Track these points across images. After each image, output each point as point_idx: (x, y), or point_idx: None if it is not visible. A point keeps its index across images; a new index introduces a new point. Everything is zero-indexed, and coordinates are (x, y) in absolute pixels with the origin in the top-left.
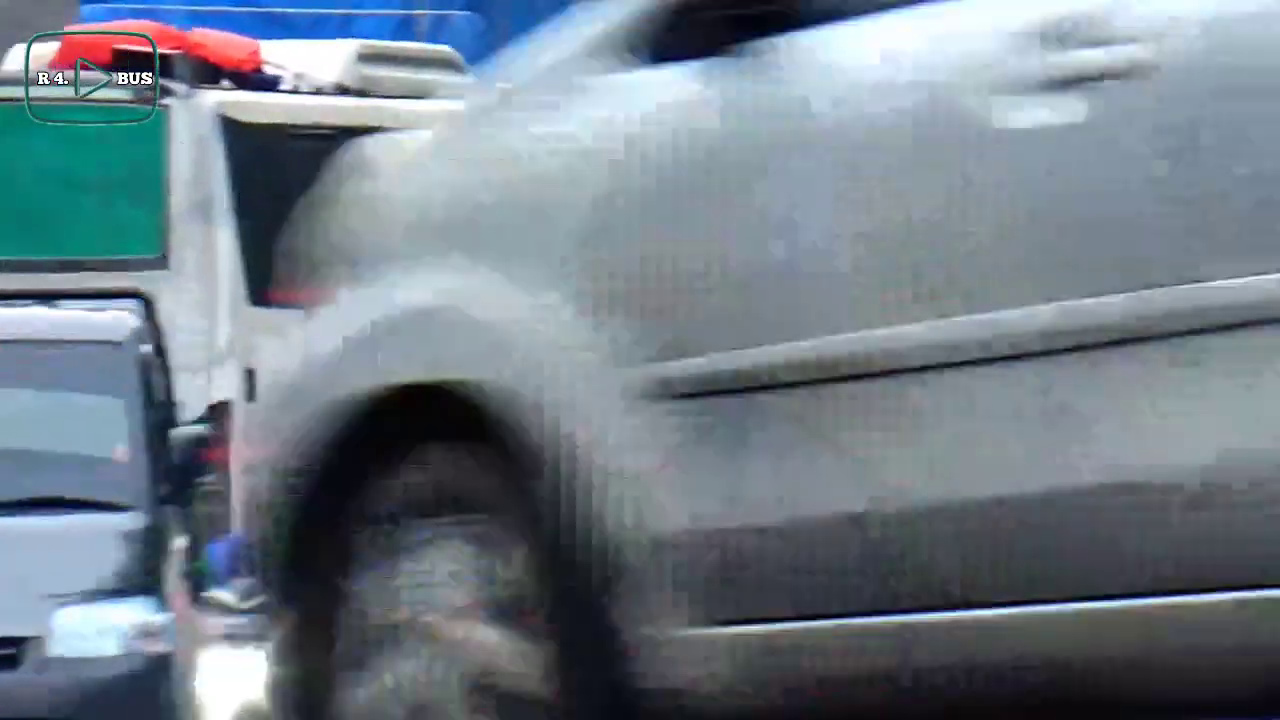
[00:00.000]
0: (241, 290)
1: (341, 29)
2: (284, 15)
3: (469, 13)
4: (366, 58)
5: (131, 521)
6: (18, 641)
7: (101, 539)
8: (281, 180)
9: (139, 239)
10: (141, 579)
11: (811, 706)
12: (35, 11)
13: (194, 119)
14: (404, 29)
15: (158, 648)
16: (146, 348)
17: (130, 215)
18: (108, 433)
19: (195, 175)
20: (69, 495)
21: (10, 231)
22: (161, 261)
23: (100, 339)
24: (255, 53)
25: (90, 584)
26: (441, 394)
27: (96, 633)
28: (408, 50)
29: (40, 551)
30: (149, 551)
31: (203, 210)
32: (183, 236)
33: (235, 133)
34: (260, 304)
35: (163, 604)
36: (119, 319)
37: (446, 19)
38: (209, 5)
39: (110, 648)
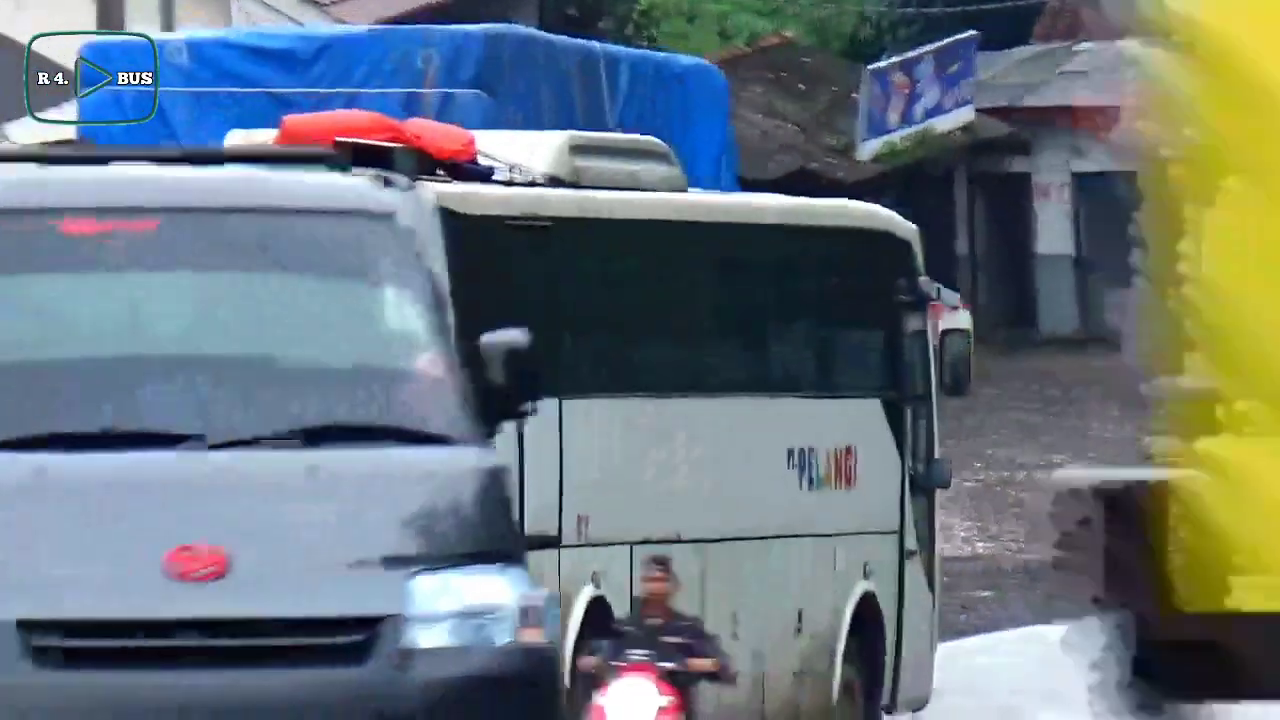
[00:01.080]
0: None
1: (346, 107)
2: (290, 96)
3: (476, 91)
4: (578, 149)
5: (467, 459)
6: (368, 624)
7: (432, 483)
8: (498, 271)
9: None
10: (503, 540)
11: None
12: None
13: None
14: (411, 107)
15: (540, 636)
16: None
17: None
18: (392, 337)
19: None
20: (365, 422)
21: None
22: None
23: (365, 209)
24: (470, 144)
25: (441, 547)
26: None
27: (465, 613)
28: (618, 141)
29: (352, 501)
30: (500, 502)
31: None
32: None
33: (453, 224)
34: None
35: (530, 575)
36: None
37: (453, 97)
38: (217, 88)
39: (490, 634)
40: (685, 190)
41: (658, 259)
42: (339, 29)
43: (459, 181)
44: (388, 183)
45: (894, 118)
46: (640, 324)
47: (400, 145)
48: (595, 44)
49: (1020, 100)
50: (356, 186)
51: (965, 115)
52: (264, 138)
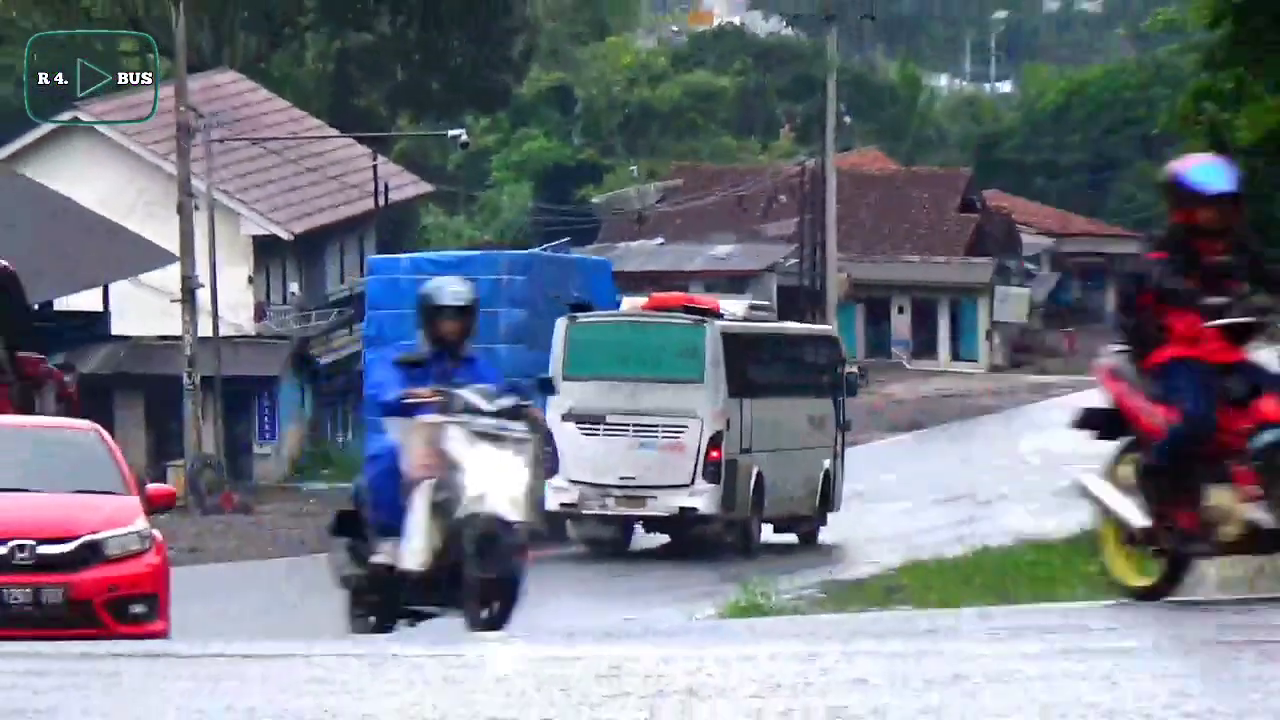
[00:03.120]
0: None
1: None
2: (448, 261)
3: (525, 278)
4: (752, 307)
5: None
6: None
7: None
8: (734, 352)
9: (688, 371)
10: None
11: None
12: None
13: (713, 330)
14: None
15: None
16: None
17: (691, 366)
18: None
19: (714, 355)
20: None
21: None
22: (699, 381)
23: (698, 327)
24: (717, 305)
25: None
26: None
27: None
28: (760, 305)
29: None
30: None
31: (719, 367)
32: (708, 371)
33: (725, 335)
34: None
35: None
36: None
37: (514, 281)
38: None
39: None
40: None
41: (775, 347)
42: (467, 253)
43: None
44: (705, 316)
45: None
46: (770, 370)
47: (705, 306)
48: (571, 255)
49: None
50: (696, 321)
51: None
52: (637, 303)
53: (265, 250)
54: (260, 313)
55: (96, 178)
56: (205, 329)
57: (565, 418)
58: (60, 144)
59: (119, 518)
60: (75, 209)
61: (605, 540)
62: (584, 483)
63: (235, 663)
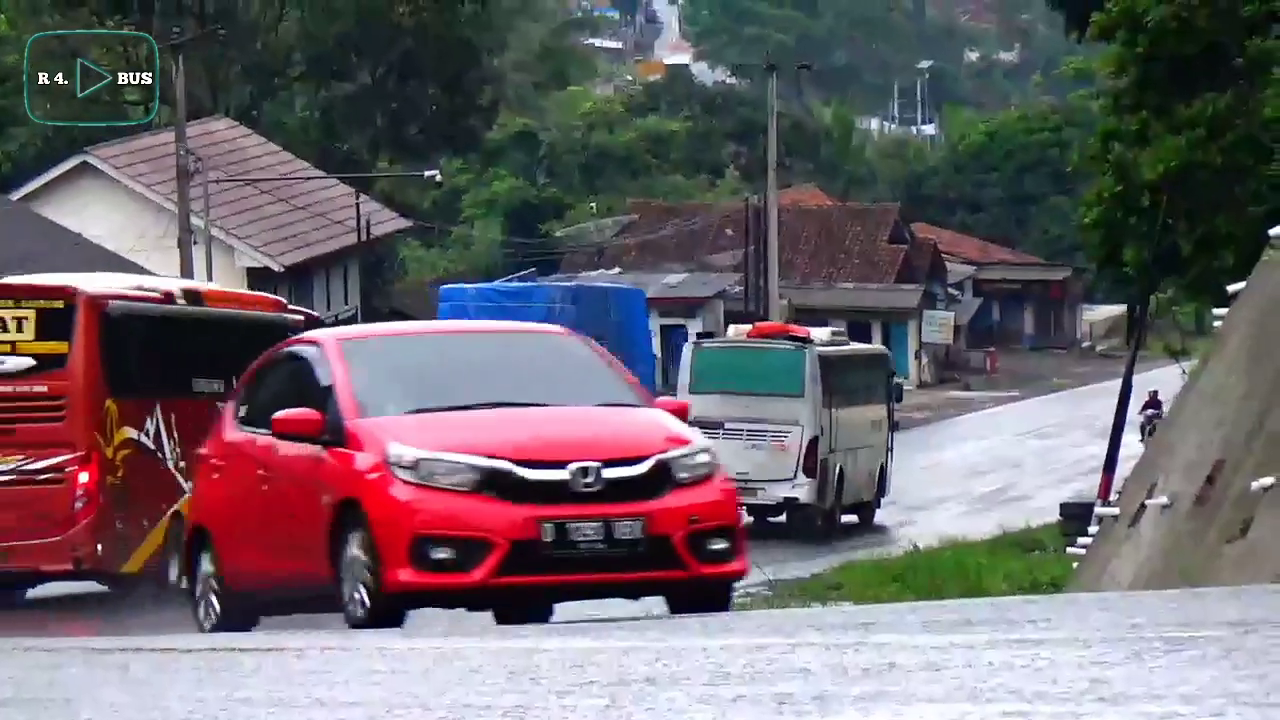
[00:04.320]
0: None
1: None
2: (510, 291)
3: (574, 305)
4: (833, 332)
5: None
6: None
7: None
8: (829, 376)
9: (791, 387)
10: None
11: None
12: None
13: (811, 353)
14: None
15: None
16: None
17: (793, 382)
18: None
19: (811, 374)
20: None
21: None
22: (800, 395)
23: (798, 350)
24: (809, 333)
25: None
26: None
27: None
28: (838, 333)
29: None
30: None
31: (815, 383)
32: (807, 387)
33: (818, 354)
34: None
35: None
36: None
37: (563, 309)
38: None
39: None
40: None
41: (850, 365)
42: (526, 285)
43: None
44: (804, 342)
45: None
46: (847, 384)
47: (800, 334)
48: (606, 286)
49: None
50: (798, 346)
51: None
52: (742, 330)
53: (259, 280)
54: None
55: (104, 216)
56: None
57: (691, 424)
58: (72, 185)
59: (678, 434)
60: (85, 244)
61: None
62: None
63: (232, 656)
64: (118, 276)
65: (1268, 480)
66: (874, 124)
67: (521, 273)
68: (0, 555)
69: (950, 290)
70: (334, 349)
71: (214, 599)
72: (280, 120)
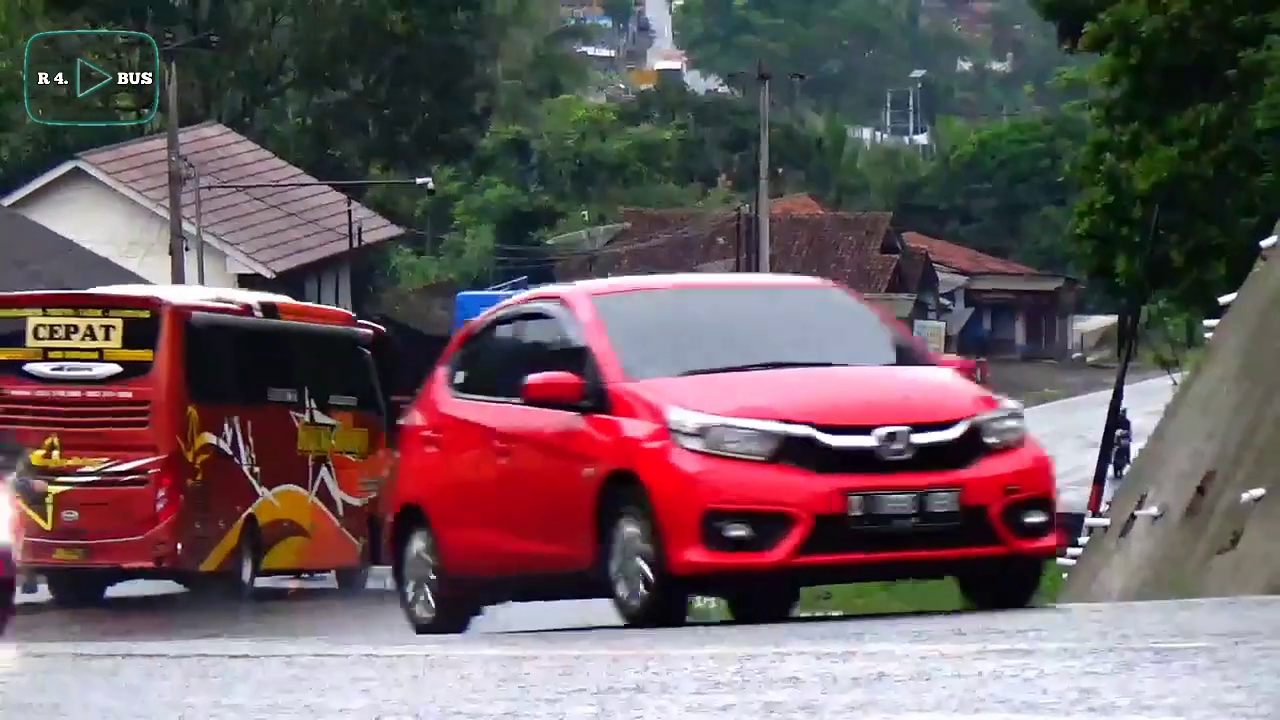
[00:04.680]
0: None
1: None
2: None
3: None
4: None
5: None
6: None
7: None
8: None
9: None
10: None
11: None
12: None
13: None
14: None
15: None
16: None
17: None
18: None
19: None
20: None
21: None
22: None
23: None
24: None
25: None
26: None
27: None
28: None
29: None
30: None
31: None
32: None
33: None
34: None
35: None
36: None
37: None
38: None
39: None
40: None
41: None
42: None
43: None
44: None
45: None
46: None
47: None
48: None
49: None
50: None
51: None
52: None
53: (249, 287)
54: None
55: (97, 222)
56: None
57: None
58: (65, 191)
59: (984, 394)
60: (78, 250)
61: None
62: None
63: (223, 662)
64: (199, 289)
65: (1258, 491)
66: (866, 133)
67: (513, 280)
68: (84, 552)
69: (942, 300)
70: (585, 305)
71: (428, 586)
72: (272, 127)
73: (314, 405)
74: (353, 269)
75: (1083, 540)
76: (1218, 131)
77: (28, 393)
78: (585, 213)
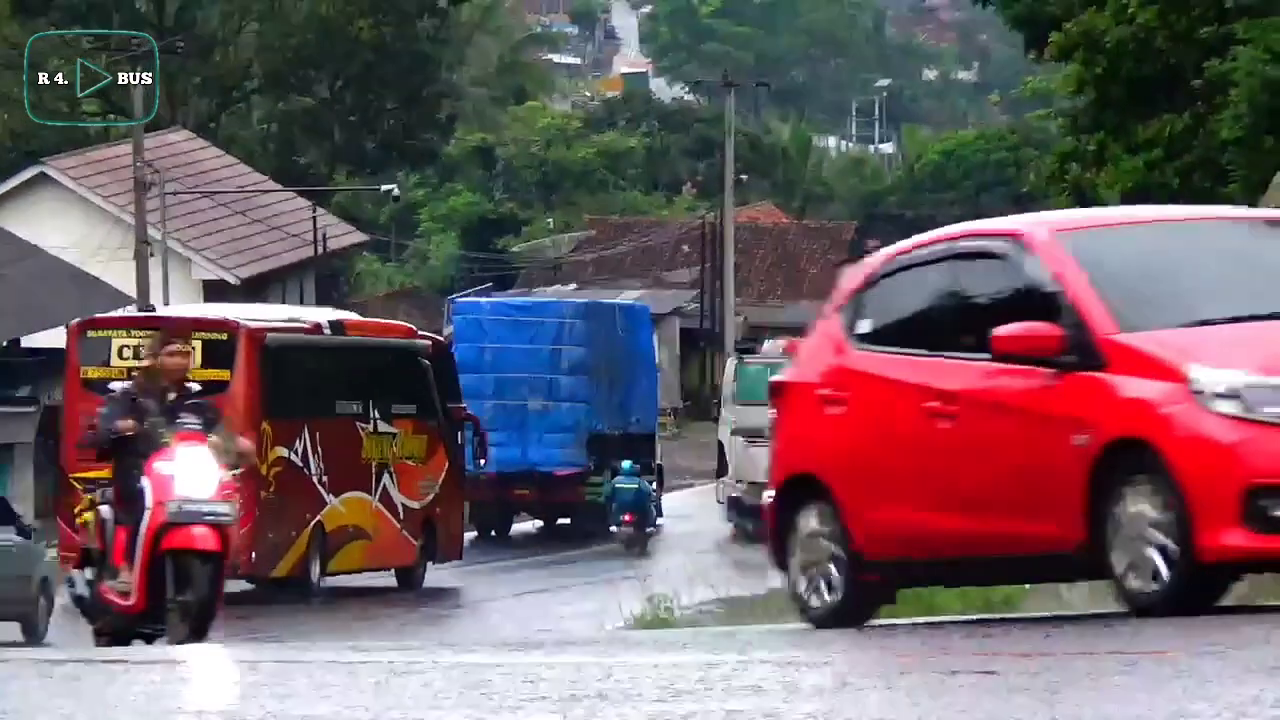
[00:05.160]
0: None
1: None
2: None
3: (585, 321)
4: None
5: None
6: None
7: None
8: None
9: None
10: None
11: None
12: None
13: None
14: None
15: None
16: None
17: None
18: None
19: None
20: None
21: None
22: None
23: None
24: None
25: None
26: None
27: None
28: None
29: None
30: None
31: None
32: None
33: None
34: None
35: None
36: None
37: (576, 324)
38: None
39: None
40: None
41: None
42: (538, 300)
43: None
44: None
45: None
46: None
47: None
48: (613, 303)
49: None
50: None
51: None
52: (779, 344)
53: (215, 293)
54: None
55: (62, 227)
56: None
57: (734, 432)
58: (30, 196)
59: None
60: (43, 255)
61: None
62: (750, 481)
63: (185, 667)
64: (271, 308)
65: None
66: (831, 142)
67: (478, 288)
68: None
69: None
70: (1052, 244)
71: (829, 571)
72: (238, 133)
73: (377, 415)
74: (318, 275)
75: None
76: (1183, 142)
77: None
78: (550, 220)
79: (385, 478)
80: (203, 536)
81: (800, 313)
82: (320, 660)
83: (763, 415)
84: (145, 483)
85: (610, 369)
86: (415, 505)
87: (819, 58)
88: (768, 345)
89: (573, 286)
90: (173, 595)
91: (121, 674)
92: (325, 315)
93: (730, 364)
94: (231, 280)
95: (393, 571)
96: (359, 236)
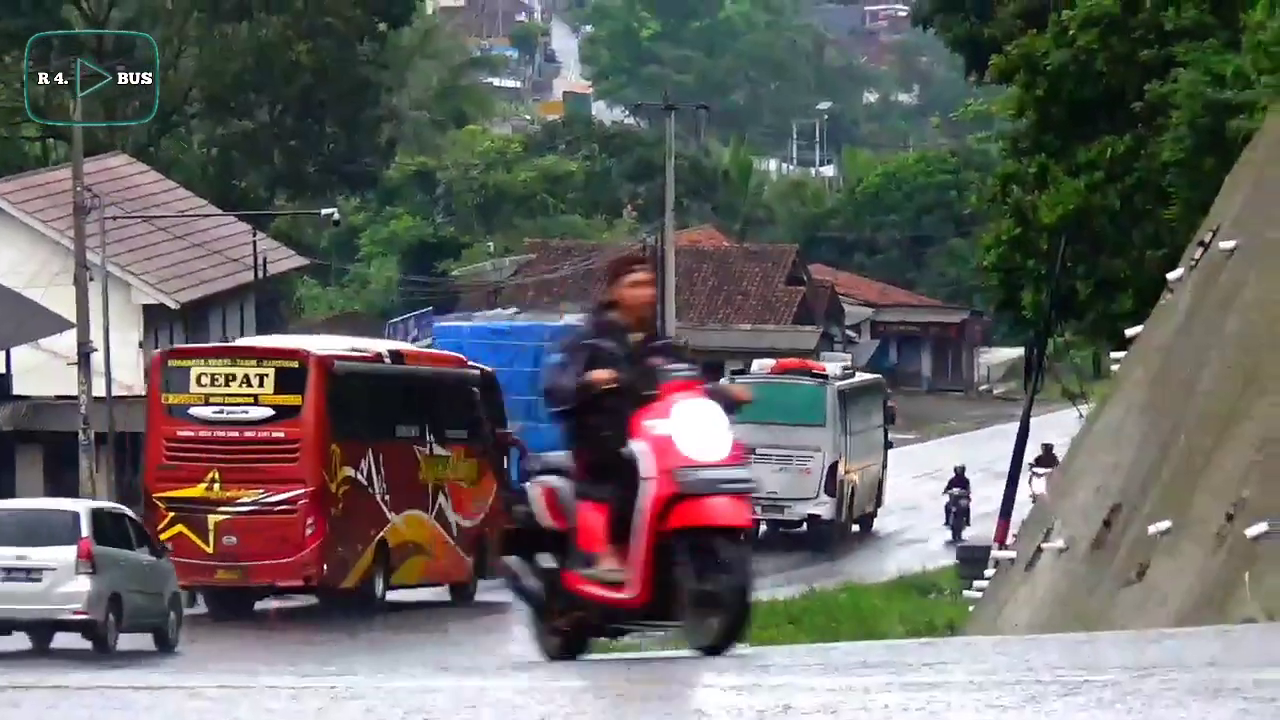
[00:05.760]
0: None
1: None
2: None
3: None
4: (844, 368)
5: None
6: None
7: None
8: (843, 406)
9: (815, 418)
10: None
11: None
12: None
13: (831, 388)
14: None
15: None
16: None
17: (816, 413)
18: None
19: (831, 406)
20: None
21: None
22: (822, 425)
23: (819, 385)
24: (824, 367)
25: None
26: None
27: None
28: (847, 361)
29: None
30: None
31: (835, 414)
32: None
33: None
34: None
35: None
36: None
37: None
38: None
39: None
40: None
41: (858, 395)
42: (519, 323)
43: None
44: (824, 378)
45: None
46: (856, 411)
47: (817, 369)
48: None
49: None
50: (819, 381)
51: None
52: (766, 364)
53: (154, 317)
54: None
55: (1, 252)
56: (100, 389)
57: None
58: None
59: None
60: None
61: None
62: None
63: (125, 694)
64: (335, 338)
65: (1164, 524)
66: (772, 165)
67: (417, 312)
68: (242, 573)
69: (848, 332)
70: None
71: None
72: (178, 157)
73: (433, 439)
74: (258, 300)
75: (989, 573)
76: (1124, 164)
77: (192, 433)
78: (490, 244)
79: (440, 497)
80: (727, 509)
81: (741, 336)
82: (262, 685)
83: (753, 433)
84: (637, 446)
85: None
86: (468, 524)
87: (759, 80)
88: (755, 366)
89: (513, 310)
90: (695, 584)
91: (62, 700)
92: (386, 345)
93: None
94: (171, 305)
95: (447, 587)
96: (299, 261)
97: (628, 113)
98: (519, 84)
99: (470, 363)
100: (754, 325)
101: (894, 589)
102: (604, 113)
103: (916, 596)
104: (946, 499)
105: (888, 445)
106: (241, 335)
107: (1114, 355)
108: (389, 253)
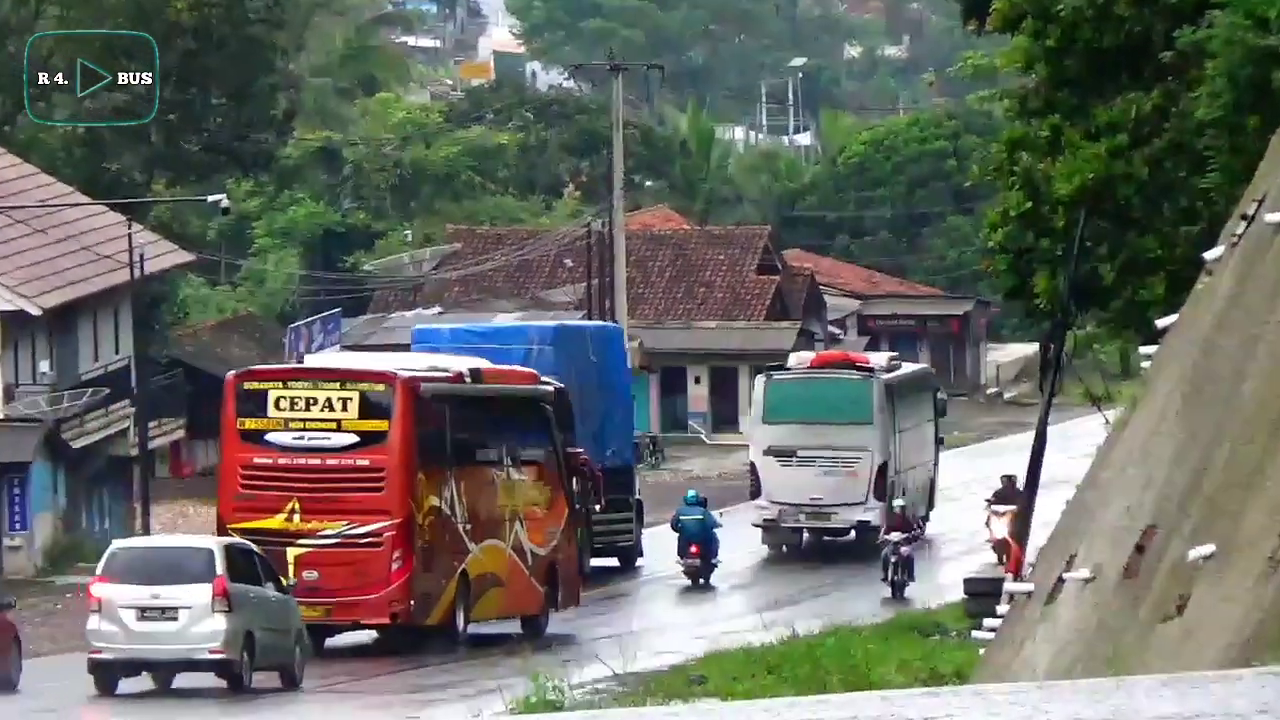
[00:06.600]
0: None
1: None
2: (486, 332)
3: (554, 347)
4: (890, 359)
5: None
6: None
7: None
8: (892, 401)
9: (860, 415)
10: None
11: None
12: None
13: (878, 382)
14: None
15: None
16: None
17: (862, 410)
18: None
19: (879, 402)
20: None
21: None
22: (869, 423)
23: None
24: (869, 359)
25: None
26: None
27: None
28: (896, 355)
29: None
30: None
31: (882, 410)
32: (875, 415)
33: (878, 381)
34: None
35: None
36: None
37: (543, 350)
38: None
39: None
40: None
41: (908, 388)
42: (504, 325)
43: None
44: (870, 372)
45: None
46: (907, 407)
47: (862, 362)
48: (586, 324)
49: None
50: (865, 375)
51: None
52: (804, 358)
53: (13, 326)
54: (9, 394)
55: None
56: None
57: (766, 452)
58: None
59: None
60: None
61: (791, 545)
62: (782, 503)
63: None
64: (413, 357)
65: (1207, 549)
66: (738, 133)
67: (324, 314)
68: (326, 610)
69: (831, 328)
70: None
71: None
72: (38, 136)
73: (509, 462)
74: (134, 302)
75: (1002, 609)
76: (1152, 124)
77: (270, 460)
78: (408, 232)
79: (517, 525)
80: None
81: (706, 336)
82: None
83: (795, 434)
84: None
85: (583, 399)
86: (541, 552)
87: (721, 35)
88: (793, 360)
89: (436, 310)
90: None
91: None
92: (465, 364)
93: (760, 382)
94: (33, 311)
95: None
96: (183, 256)
97: (567, 75)
98: (438, 43)
99: (543, 379)
100: (720, 322)
101: (890, 630)
102: (539, 76)
103: (918, 639)
104: (892, 547)
105: (939, 442)
106: (116, 346)
107: (1143, 350)
108: (288, 245)
